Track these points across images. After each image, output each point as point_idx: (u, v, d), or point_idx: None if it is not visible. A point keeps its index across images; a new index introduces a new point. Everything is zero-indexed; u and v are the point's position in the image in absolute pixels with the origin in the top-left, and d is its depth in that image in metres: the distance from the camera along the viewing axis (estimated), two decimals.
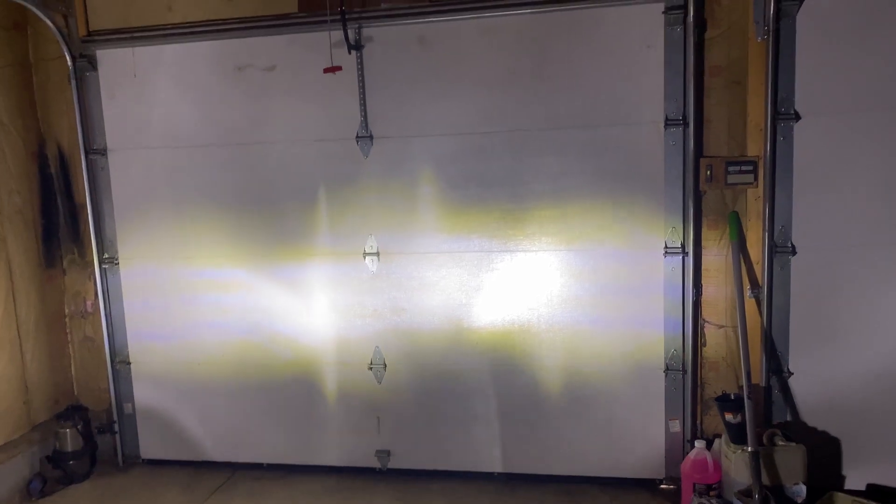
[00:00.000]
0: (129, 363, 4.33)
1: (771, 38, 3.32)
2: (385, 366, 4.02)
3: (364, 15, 3.73)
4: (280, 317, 4.10)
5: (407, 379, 4.02)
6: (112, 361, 4.33)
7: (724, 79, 3.51)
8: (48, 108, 4.25)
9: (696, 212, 3.58)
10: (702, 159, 3.54)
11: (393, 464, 4.09)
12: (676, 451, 3.74)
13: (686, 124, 3.51)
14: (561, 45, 3.60)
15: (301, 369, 4.12)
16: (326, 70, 3.59)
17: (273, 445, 4.23)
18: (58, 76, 4.17)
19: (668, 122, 3.52)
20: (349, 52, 3.73)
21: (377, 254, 3.94)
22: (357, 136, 3.86)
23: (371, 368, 4.04)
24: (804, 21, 3.35)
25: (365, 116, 3.84)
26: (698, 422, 3.76)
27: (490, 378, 3.90)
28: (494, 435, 3.94)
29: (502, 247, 3.79)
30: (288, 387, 4.14)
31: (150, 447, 4.40)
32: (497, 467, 3.97)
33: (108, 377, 4.34)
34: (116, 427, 4.37)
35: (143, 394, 4.35)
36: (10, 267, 4.06)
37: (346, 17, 3.64)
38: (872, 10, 3.28)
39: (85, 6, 4.06)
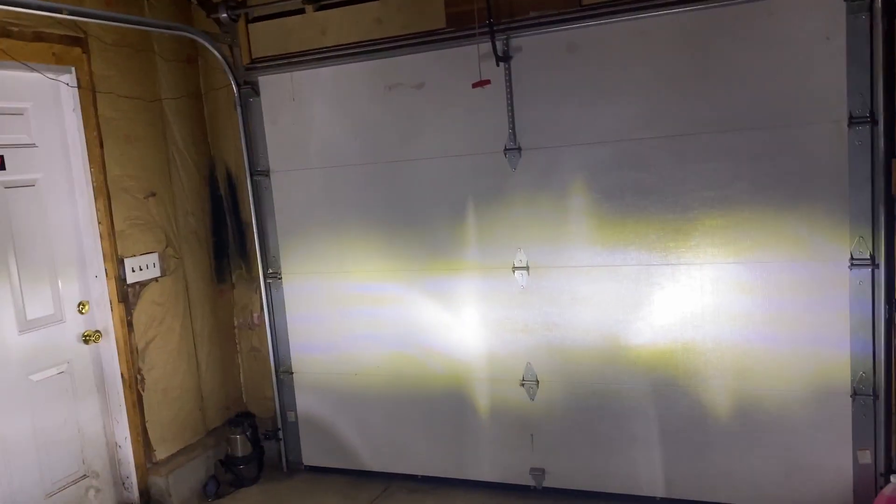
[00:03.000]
0: (291, 373, 4.53)
1: None
2: (537, 382, 3.93)
3: (512, 25, 3.67)
4: (431, 330, 4.13)
5: (561, 396, 3.90)
6: (276, 371, 4.55)
7: None
8: (217, 133, 4.55)
9: (889, 218, 3.18)
10: (894, 160, 3.14)
11: (548, 482, 3.99)
12: (867, 485, 3.35)
13: (874, 122, 3.13)
14: (725, 41, 3.34)
15: (453, 383, 4.12)
16: (475, 84, 3.56)
17: (427, 458, 4.26)
18: (225, 103, 4.44)
19: (853, 121, 3.16)
20: (497, 65, 3.67)
21: (527, 267, 3.86)
22: (505, 149, 3.80)
23: (523, 385, 3.96)
24: None
25: (513, 128, 3.77)
26: (893, 453, 3.35)
27: (650, 398, 3.69)
28: (656, 458, 3.73)
29: (662, 259, 3.58)
30: (440, 400, 4.16)
31: (311, 454, 4.58)
32: (659, 492, 3.76)
33: (272, 386, 4.57)
34: (280, 434, 4.59)
35: (305, 403, 4.53)
36: (186, 283, 4.38)
37: (494, 28, 3.58)
38: None
39: (248, 36, 4.30)
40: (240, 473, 4.44)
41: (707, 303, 3.53)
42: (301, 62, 4.18)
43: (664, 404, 3.68)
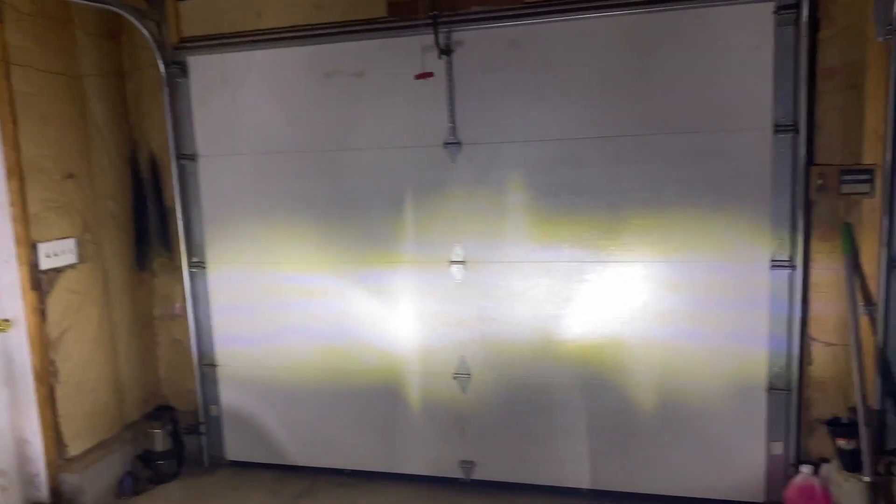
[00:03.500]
0: (215, 366, 4.39)
1: (894, 38, 3.08)
2: (470, 375, 3.95)
3: (454, 19, 3.65)
4: (365, 323, 4.08)
5: (492, 389, 3.94)
6: (199, 364, 4.39)
7: (839, 82, 3.29)
8: (141, 114, 4.33)
9: (806, 223, 3.38)
10: (812, 167, 3.33)
11: (477, 475, 4.03)
12: (778, 474, 3.55)
13: (796, 130, 3.31)
14: (662, 47, 3.45)
15: (385, 376, 4.09)
16: (419, 76, 3.53)
17: (356, 452, 4.22)
18: (150, 83, 4.23)
19: (778, 129, 3.33)
20: (439, 57, 3.66)
21: (463, 262, 3.87)
22: (445, 143, 3.79)
23: (456, 378, 3.97)
24: None
25: (453, 122, 3.76)
26: (803, 445, 3.56)
27: (579, 392, 3.78)
28: (583, 450, 3.82)
29: (594, 257, 3.66)
30: (372, 393, 4.12)
31: (235, 449, 4.45)
32: (585, 483, 3.86)
33: (194, 379, 4.41)
34: (203, 428, 4.43)
35: (229, 396, 4.40)
36: (105, 270, 4.16)
37: (437, 20, 3.56)
38: None
39: (177, 14, 4.11)
40: (159, 469, 4.26)
41: (636, 300, 3.64)
42: (234, 44, 4.03)
43: (592, 398, 3.77)
